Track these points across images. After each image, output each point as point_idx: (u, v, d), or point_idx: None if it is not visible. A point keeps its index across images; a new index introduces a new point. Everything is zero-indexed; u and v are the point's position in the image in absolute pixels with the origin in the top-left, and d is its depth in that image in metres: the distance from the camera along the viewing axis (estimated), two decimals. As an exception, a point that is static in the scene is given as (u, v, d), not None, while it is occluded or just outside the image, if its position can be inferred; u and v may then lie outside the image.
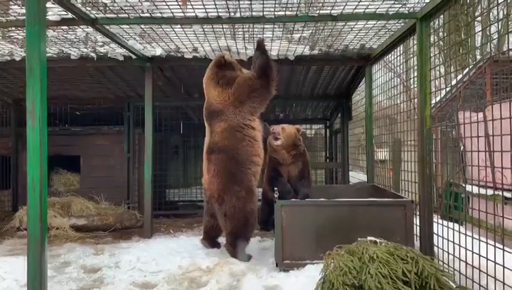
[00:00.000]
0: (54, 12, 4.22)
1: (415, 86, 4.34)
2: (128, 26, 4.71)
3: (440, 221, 4.02)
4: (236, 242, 4.52)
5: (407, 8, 4.21)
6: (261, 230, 5.98)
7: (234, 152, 4.53)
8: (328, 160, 9.66)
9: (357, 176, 8.29)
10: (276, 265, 4.15)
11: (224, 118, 4.60)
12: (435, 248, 4.01)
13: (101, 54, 5.72)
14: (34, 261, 2.85)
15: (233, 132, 4.56)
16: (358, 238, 3.15)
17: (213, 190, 4.57)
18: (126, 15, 4.34)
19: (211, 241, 4.99)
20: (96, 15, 4.32)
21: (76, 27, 4.78)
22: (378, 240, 3.05)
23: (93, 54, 5.71)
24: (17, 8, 4.21)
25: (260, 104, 4.71)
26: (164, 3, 4.07)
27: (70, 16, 4.22)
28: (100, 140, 7.72)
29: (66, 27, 4.74)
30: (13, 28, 4.78)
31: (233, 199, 4.44)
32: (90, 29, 4.76)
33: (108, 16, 4.36)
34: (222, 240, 4.87)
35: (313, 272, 3.53)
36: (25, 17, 2.96)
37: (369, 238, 3.13)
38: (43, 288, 2.87)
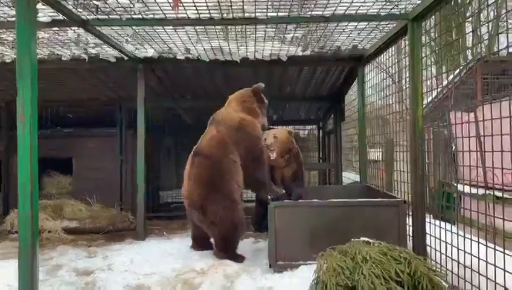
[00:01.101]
0: (45, 13, 4.19)
1: (407, 86, 4.36)
2: (119, 28, 4.69)
3: (432, 221, 4.04)
4: (226, 248, 4.52)
5: (398, 9, 4.23)
6: (254, 231, 5.97)
7: (217, 160, 4.50)
8: (321, 161, 9.68)
9: (350, 177, 8.32)
10: (270, 266, 4.15)
11: (220, 129, 4.64)
12: (428, 248, 4.03)
13: (93, 56, 5.69)
14: (25, 265, 2.82)
15: (222, 143, 4.58)
16: (352, 239, 3.16)
17: (193, 199, 4.52)
18: (118, 16, 4.31)
19: (200, 245, 4.95)
20: (87, 16, 4.29)
21: (67, 28, 4.75)
22: (371, 241, 3.06)
23: (84, 56, 5.68)
24: (7, 9, 4.17)
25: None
26: (156, 5, 4.05)
27: (61, 17, 4.19)
28: (92, 142, 7.67)
29: (56, 28, 4.71)
30: (3, 30, 4.74)
31: (217, 208, 4.40)
32: (81, 31, 4.73)
33: (99, 17, 4.33)
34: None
35: (306, 273, 3.53)
36: (15, 18, 2.93)
37: (362, 238, 3.13)
38: (34, 292, 2.84)
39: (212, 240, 4.82)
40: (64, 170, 7.82)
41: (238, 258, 4.47)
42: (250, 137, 4.72)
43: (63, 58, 5.72)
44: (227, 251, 4.52)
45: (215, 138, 4.62)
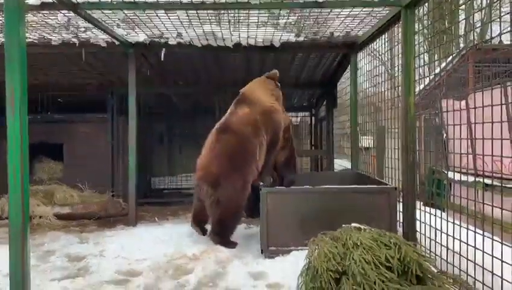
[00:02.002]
0: (34, -4, 4.11)
1: (400, 73, 4.36)
2: (110, 11, 4.61)
3: (423, 207, 4.09)
4: (222, 232, 4.52)
5: (392, -4, 4.21)
6: (247, 217, 6.00)
7: (246, 139, 4.53)
8: (313, 147, 9.70)
9: (341, 163, 8.36)
10: (262, 252, 4.18)
11: (253, 109, 4.71)
12: (418, 234, 4.08)
13: (83, 40, 5.61)
14: (16, 251, 2.81)
15: (255, 123, 4.63)
16: (343, 225, 3.19)
17: (209, 171, 4.47)
18: (108, 0, 4.24)
19: (200, 225, 4.87)
20: (77, -1, 4.22)
21: (57, 12, 4.67)
22: (362, 227, 3.09)
23: (75, 40, 5.59)
24: (-5, -9, 4.08)
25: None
26: (147, -12, 3.99)
27: (50, 0, 4.11)
28: (83, 128, 7.62)
29: (46, 12, 4.62)
30: (-9, 12, 4.64)
31: (231, 186, 4.41)
32: (71, 14, 4.65)
33: (90, 0, 4.25)
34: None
35: (297, 259, 3.57)
36: (3, 0, 2.87)
37: (353, 224, 3.16)
38: (26, 277, 2.84)
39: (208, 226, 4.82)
40: (55, 155, 7.77)
41: (230, 245, 4.49)
42: (277, 124, 4.83)
43: (52, 43, 5.63)
44: (223, 235, 4.53)
45: (247, 117, 4.66)
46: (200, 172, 4.62)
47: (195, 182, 4.75)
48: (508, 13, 2.95)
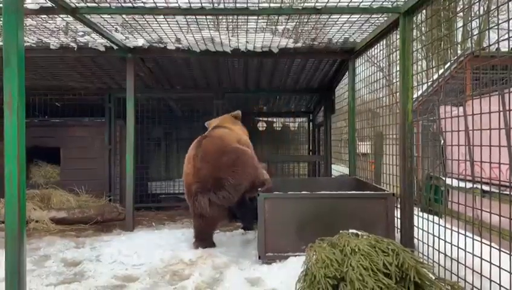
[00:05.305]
0: (33, 0, 4.11)
1: (398, 80, 4.38)
2: (109, 16, 4.61)
3: (420, 214, 4.09)
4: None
5: (390, 3, 4.23)
6: (245, 231, 5.94)
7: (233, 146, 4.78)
8: (311, 153, 9.71)
9: (339, 169, 8.36)
10: (259, 258, 4.16)
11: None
12: (415, 240, 4.07)
13: (82, 44, 5.61)
14: (12, 255, 2.79)
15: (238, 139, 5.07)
16: (340, 231, 3.18)
17: (205, 174, 4.48)
18: (107, 4, 4.25)
19: (203, 242, 4.72)
20: (76, 4, 4.22)
21: (56, 16, 4.67)
22: (359, 233, 3.08)
23: (73, 44, 5.59)
24: (-6, -5, 4.08)
25: None
26: (146, -7, 4.00)
27: (49, 4, 4.11)
28: (81, 132, 7.60)
29: (45, 16, 4.62)
30: (-10, 16, 4.64)
31: (234, 159, 4.59)
32: (70, 19, 4.66)
33: (89, 5, 4.26)
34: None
35: (295, 265, 3.55)
36: (1, 4, 2.87)
37: (350, 230, 3.15)
38: (21, 282, 2.82)
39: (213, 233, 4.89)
40: (52, 159, 7.74)
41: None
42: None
43: (51, 47, 5.63)
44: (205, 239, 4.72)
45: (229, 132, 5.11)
46: (197, 183, 4.50)
47: (192, 196, 4.54)
48: (505, 21, 2.97)
